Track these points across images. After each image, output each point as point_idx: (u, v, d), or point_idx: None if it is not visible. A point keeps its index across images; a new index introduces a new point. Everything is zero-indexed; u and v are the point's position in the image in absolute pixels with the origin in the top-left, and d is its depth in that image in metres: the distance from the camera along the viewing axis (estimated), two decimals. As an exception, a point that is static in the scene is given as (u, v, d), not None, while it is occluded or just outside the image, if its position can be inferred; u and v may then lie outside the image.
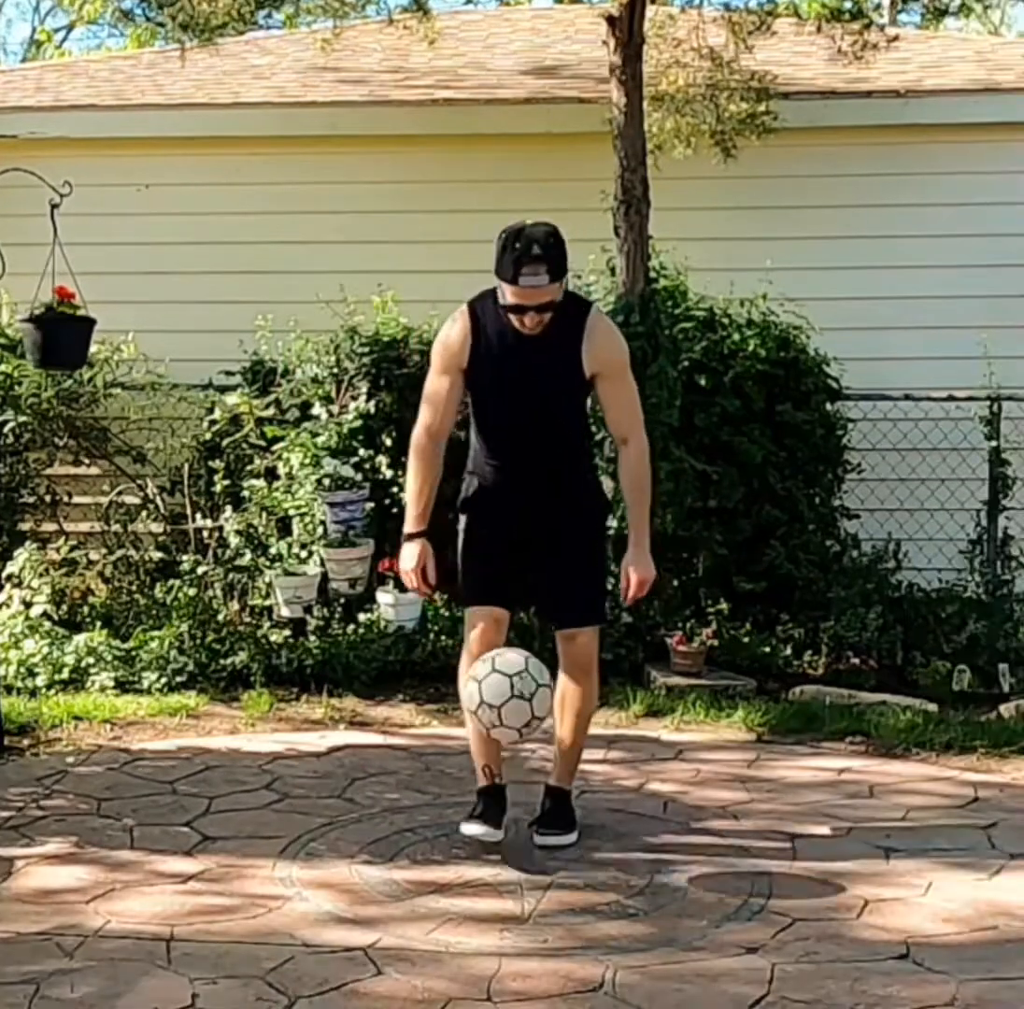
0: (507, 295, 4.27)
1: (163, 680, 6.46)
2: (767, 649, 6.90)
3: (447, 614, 6.81)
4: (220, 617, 6.78)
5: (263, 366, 7.65)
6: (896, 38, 7.83)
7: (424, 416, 4.52)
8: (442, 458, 4.54)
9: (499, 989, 3.46)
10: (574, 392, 4.47)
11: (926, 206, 8.13)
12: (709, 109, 7.52)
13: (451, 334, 4.45)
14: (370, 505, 6.97)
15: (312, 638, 6.67)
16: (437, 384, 4.49)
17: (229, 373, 7.71)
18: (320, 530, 6.91)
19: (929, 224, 8.09)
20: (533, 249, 4.18)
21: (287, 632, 6.72)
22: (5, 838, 4.51)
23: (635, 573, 4.44)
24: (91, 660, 6.54)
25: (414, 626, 6.78)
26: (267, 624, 6.80)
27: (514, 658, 4.27)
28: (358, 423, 7.09)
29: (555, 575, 4.49)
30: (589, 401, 4.71)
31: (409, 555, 4.51)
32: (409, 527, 4.53)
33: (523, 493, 4.46)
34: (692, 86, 7.52)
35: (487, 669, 4.23)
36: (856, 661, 6.78)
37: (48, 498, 7.79)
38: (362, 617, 6.76)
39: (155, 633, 6.69)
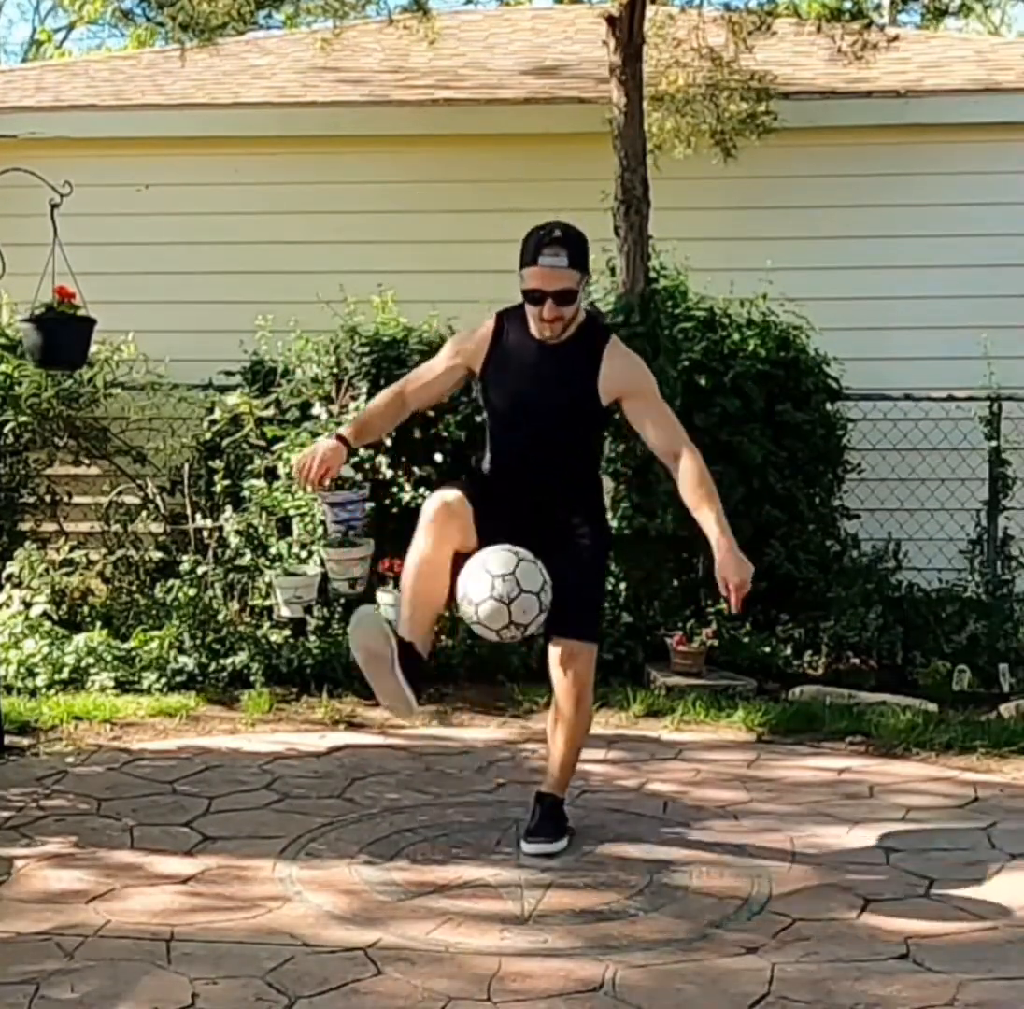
0: (526, 280, 4.29)
1: (163, 680, 6.46)
2: (767, 649, 6.90)
3: (447, 614, 6.80)
4: (220, 617, 6.78)
5: (263, 366, 7.65)
6: (896, 38, 7.83)
7: (408, 378, 4.61)
8: (401, 419, 4.65)
9: (499, 989, 3.46)
10: (584, 416, 4.42)
11: (926, 206, 8.14)
12: (709, 109, 7.53)
13: (472, 333, 4.52)
14: (370, 505, 6.96)
15: (312, 638, 6.67)
16: (436, 364, 4.56)
17: (229, 373, 7.72)
18: (320, 530, 6.91)
19: (929, 224, 8.09)
20: (554, 233, 4.28)
21: (287, 632, 6.72)
22: (5, 838, 4.51)
23: (735, 576, 4.08)
24: (91, 660, 6.54)
25: (414, 626, 6.77)
26: (267, 624, 6.80)
27: (506, 557, 4.16)
28: (358, 423, 7.09)
29: (557, 584, 4.31)
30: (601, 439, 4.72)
31: (322, 444, 4.46)
32: (340, 430, 4.54)
33: (532, 501, 4.41)
34: (692, 86, 7.52)
35: (479, 564, 4.16)
36: (856, 661, 6.78)
37: (48, 498, 7.79)
38: (362, 617, 6.75)
39: (155, 633, 6.69)
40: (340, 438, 4.46)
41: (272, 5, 7.95)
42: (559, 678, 4.36)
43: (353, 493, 6.89)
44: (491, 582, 4.12)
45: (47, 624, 6.83)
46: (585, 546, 4.44)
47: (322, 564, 6.87)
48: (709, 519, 4.20)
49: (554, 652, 4.37)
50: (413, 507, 6.97)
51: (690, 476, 4.27)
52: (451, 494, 4.32)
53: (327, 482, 4.51)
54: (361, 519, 6.88)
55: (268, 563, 6.96)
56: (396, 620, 4.41)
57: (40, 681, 6.41)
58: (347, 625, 6.61)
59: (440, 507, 4.29)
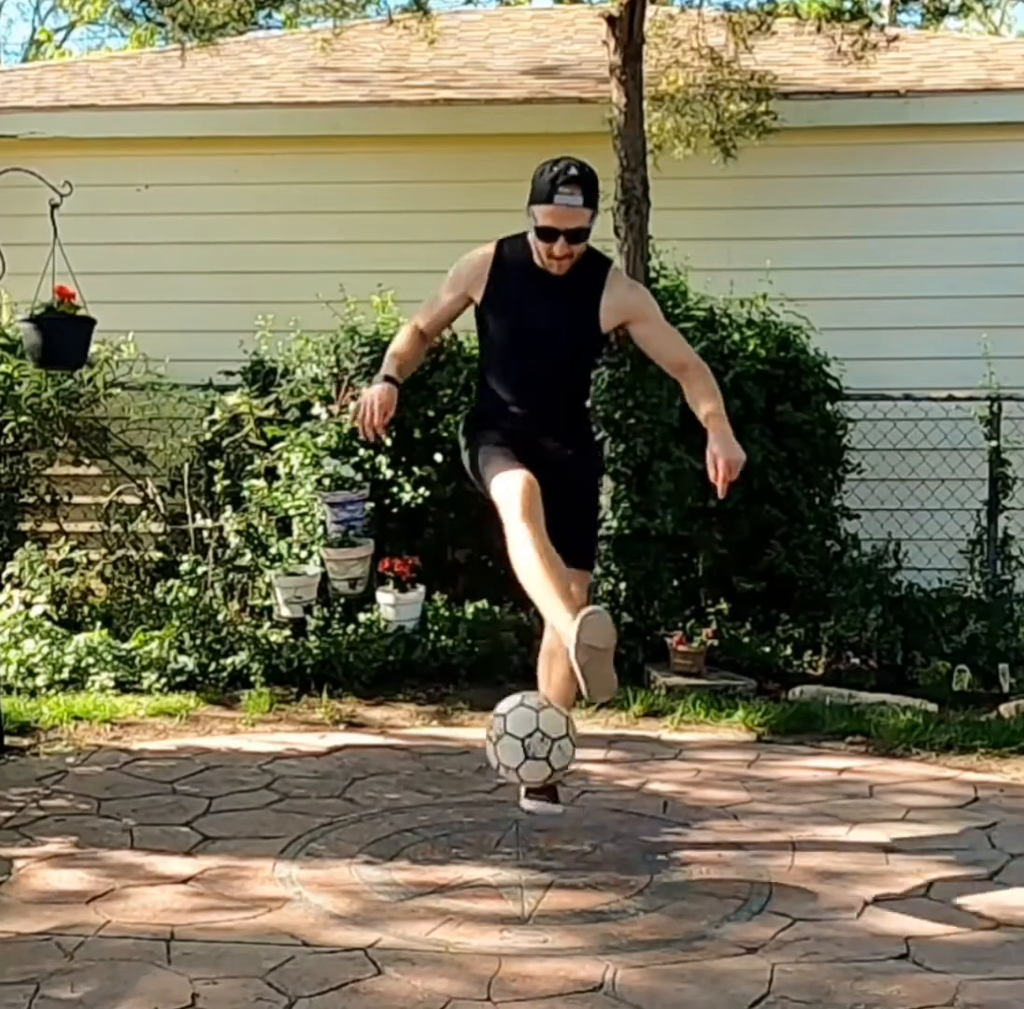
0: (539, 218, 4.28)
1: (163, 680, 6.45)
2: (767, 649, 6.91)
3: (447, 614, 6.81)
4: (220, 617, 6.78)
5: (263, 366, 7.65)
6: (896, 38, 7.83)
7: (420, 314, 4.56)
8: (422, 355, 4.63)
9: (499, 989, 3.45)
10: (584, 345, 4.46)
11: (926, 206, 8.14)
12: (709, 109, 7.53)
13: (471, 257, 4.48)
14: (370, 505, 6.97)
15: (312, 638, 6.67)
16: (442, 296, 4.51)
17: (229, 373, 7.72)
18: (320, 530, 6.91)
19: (929, 224, 8.10)
20: (571, 170, 4.28)
21: (287, 632, 6.71)
22: (5, 838, 4.51)
23: (723, 454, 4.16)
24: (91, 660, 6.54)
25: (414, 626, 6.77)
26: (267, 624, 6.80)
27: (526, 716, 4.22)
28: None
29: (556, 516, 4.29)
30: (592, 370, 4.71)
31: (377, 387, 4.33)
32: (386, 371, 4.39)
33: (531, 434, 4.42)
34: (692, 86, 7.52)
35: (500, 730, 4.22)
36: (856, 661, 6.78)
37: (48, 498, 7.80)
38: (362, 617, 6.76)
39: (155, 633, 6.69)
40: (389, 379, 4.37)
41: (272, 5, 7.95)
42: None
43: (353, 493, 6.90)
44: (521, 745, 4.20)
45: (47, 624, 6.83)
46: (586, 478, 4.57)
47: (322, 564, 6.87)
48: (708, 409, 4.30)
49: None
50: (413, 507, 6.99)
51: (697, 382, 4.40)
52: (518, 474, 4.19)
53: (388, 424, 4.40)
54: (361, 519, 6.89)
55: (268, 563, 6.96)
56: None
57: (40, 681, 6.41)
58: (346, 625, 6.67)
59: (525, 488, 4.14)
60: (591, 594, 4.81)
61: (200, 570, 7.03)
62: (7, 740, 5.58)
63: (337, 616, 6.74)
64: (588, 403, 4.75)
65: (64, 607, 7.09)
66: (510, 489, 4.17)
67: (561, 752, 4.21)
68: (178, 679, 6.48)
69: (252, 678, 6.45)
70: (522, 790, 4.60)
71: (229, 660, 6.55)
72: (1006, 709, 6.31)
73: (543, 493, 4.23)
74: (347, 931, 3.81)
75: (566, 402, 4.50)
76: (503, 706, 4.28)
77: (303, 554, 6.97)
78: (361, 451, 7.02)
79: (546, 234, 4.29)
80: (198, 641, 6.63)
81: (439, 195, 8.19)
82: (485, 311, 4.46)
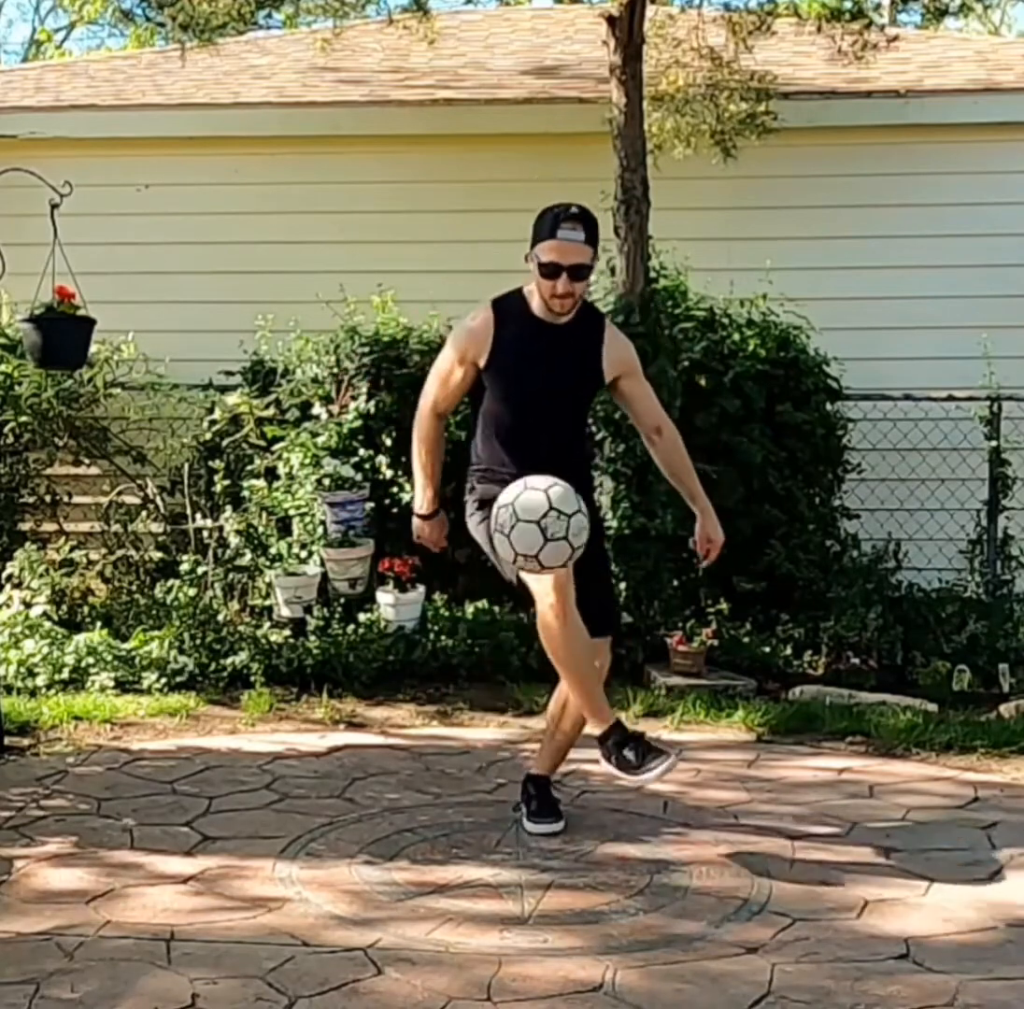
0: (543, 255, 4.32)
1: (163, 680, 6.45)
2: (767, 649, 6.91)
3: (447, 614, 6.81)
4: (220, 617, 6.78)
5: (263, 366, 7.65)
6: (896, 38, 7.83)
7: (432, 391, 4.54)
8: (444, 438, 4.64)
9: (499, 989, 3.45)
10: (589, 395, 4.61)
11: (926, 206, 8.14)
12: (709, 109, 7.53)
13: (474, 324, 4.47)
14: (370, 505, 6.97)
15: (312, 638, 6.67)
16: (452, 366, 4.49)
17: (229, 373, 7.72)
18: (320, 530, 6.91)
19: (929, 224, 8.10)
20: (572, 209, 4.37)
21: (287, 632, 6.71)
22: (5, 838, 4.51)
23: (716, 536, 4.67)
24: (91, 660, 6.54)
25: (414, 626, 6.77)
26: (267, 624, 6.80)
27: (536, 498, 4.12)
28: (358, 423, 7.09)
29: (579, 585, 4.32)
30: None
31: (430, 533, 4.71)
32: (427, 508, 4.64)
33: None
34: (692, 86, 7.52)
35: (509, 519, 4.11)
36: (856, 661, 6.78)
37: (48, 498, 7.80)
38: (362, 617, 6.76)
39: (155, 633, 6.69)
40: (431, 513, 4.66)
41: (272, 5, 7.95)
42: None
43: (353, 493, 6.90)
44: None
45: (47, 624, 6.83)
46: (597, 538, 4.53)
47: (322, 564, 6.88)
48: (695, 488, 4.71)
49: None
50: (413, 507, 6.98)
51: (674, 448, 4.68)
52: (561, 575, 4.20)
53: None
54: (361, 519, 6.89)
55: (268, 563, 6.96)
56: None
57: (40, 681, 6.41)
58: (346, 625, 6.67)
59: (564, 583, 4.21)
60: (618, 612, 4.91)
61: (200, 570, 7.03)
62: (7, 740, 5.58)
63: (337, 616, 6.74)
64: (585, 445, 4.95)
65: (64, 607, 7.09)
66: (556, 584, 4.18)
67: (579, 527, 4.11)
68: (178, 679, 6.48)
69: (252, 678, 6.45)
70: (524, 810, 4.60)
71: (229, 660, 6.55)
72: (1006, 709, 6.31)
73: None
74: (347, 931, 3.81)
75: (570, 450, 4.54)
76: (505, 496, 4.17)
77: (303, 554, 6.97)
78: (361, 451, 7.03)
79: (549, 271, 4.32)
80: (198, 641, 6.63)
81: (439, 195, 8.19)
82: (489, 372, 4.45)
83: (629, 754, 4.26)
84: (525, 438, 4.45)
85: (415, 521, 4.72)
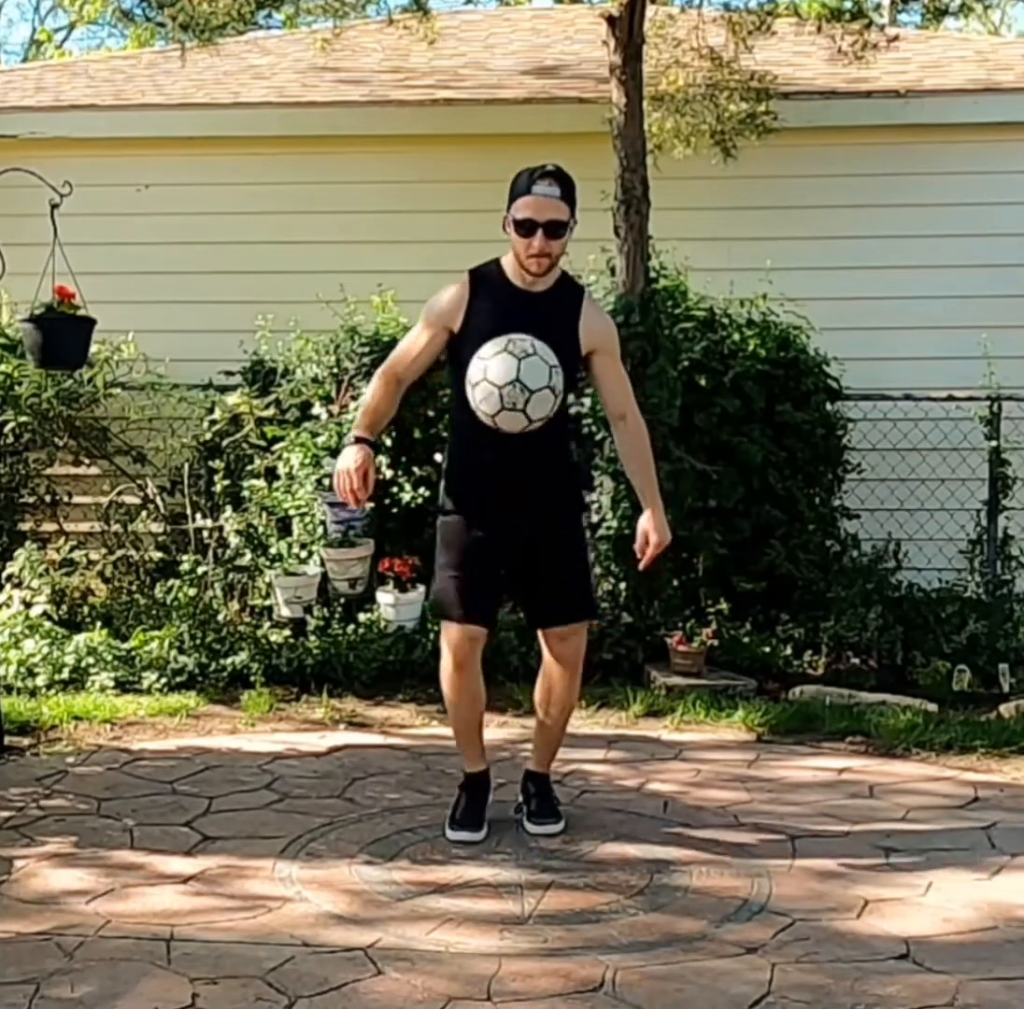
0: (518, 211, 4.30)
1: (163, 680, 6.46)
2: (767, 649, 6.91)
3: (447, 614, 6.80)
4: (220, 617, 6.78)
5: (263, 366, 7.65)
6: (896, 38, 7.82)
7: (393, 358, 4.54)
8: (399, 402, 4.57)
9: (499, 989, 3.46)
10: (567, 364, 4.38)
11: (926, 206, 8.14)
12: (709, 109, 7.52)
13: (444, 295, 4.46)
14: (370, 505, 6.96)
15: (312, 638, 6.67)
16: (417, 337, 4.49)
17: (229, 373, 7.72)
18: (320, 530, 6.91)
19: (929, 224, 8.09)
20: (547, 167, 4.36)
21: (287, 632, 6.72)
22: (5, 838, 4.51)
23: (655, 535, 4.45)
24: (91, 660, 6.54)
25: (414, 626, 6.78)
26: (267, 624, 6.80)
27: (506, 363, 4.20)
28: (358, 423, 7.09)
29: (548, 574, 4.47)
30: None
31: (349, 455, 4.38)
32: (356, 432, 4.46)
33: (510, 486, 4.41)
34: (692, 86, 7.52)
35: (479, 375, 4.23)
36: (856, 661, 6.78)
37: (48, 498, 7.80)
38: (362, 617, 6.76)
39: (155, 633, 6.69)
40: (361, 440, 4.41)
41: (272, 5, 7.94)
42: (562, 653, 4.52)
43: (353, 493, 6.88)
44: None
45: (47, 624, 6.83)
46: (570, 523, 4.59)
47: (322, 564, 6.88)
48: (650, 483, 4.52)
49: (559, 631, 4.51)
50: (413, 507, 6.99)
51: (638, 439, 4.53)
52: (465, 632, 4.44)
53: (371, 488, 4.45)
54: (361, 519, 6.89)
55: (268, 563, 6.96)
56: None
57: (40, 681, 6.41)
58: (346, 625, 6.67)
59: (462, 644, 4.47)
60: (595, 592, 4.87)
61: (200, 570, 7.03)
62: (7, 740, 5.58)
63: (337, 616, 6.75)
64: (570, 426, 4.79)
65: (64, 607, 7.09)
66: (450, 640, 4.48)
67: (540, 403, 4.20)
68: (178, 679, 6.48)
69: (252, 678, 6.45)
70: (524, 810, 4.64)
71: (229, 660, 6.56)
72: (1006, 709, 6.31)
73: (524, 556, 4.44)
74: (347, 931, 3.82)
75: (545, 429, 4.35)
76: (487, 349, 4.23)
77: (303, 554, 6.97)
78: (361, 451, 7.01)
79: (525, 228, 4.29)
80: (198, 641, 6.63)
81: (439, 195, 8.19)
82: (463, 342, 4.38)
83: (458, 807, 4.60)
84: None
85: (340, 456, 4.47)
